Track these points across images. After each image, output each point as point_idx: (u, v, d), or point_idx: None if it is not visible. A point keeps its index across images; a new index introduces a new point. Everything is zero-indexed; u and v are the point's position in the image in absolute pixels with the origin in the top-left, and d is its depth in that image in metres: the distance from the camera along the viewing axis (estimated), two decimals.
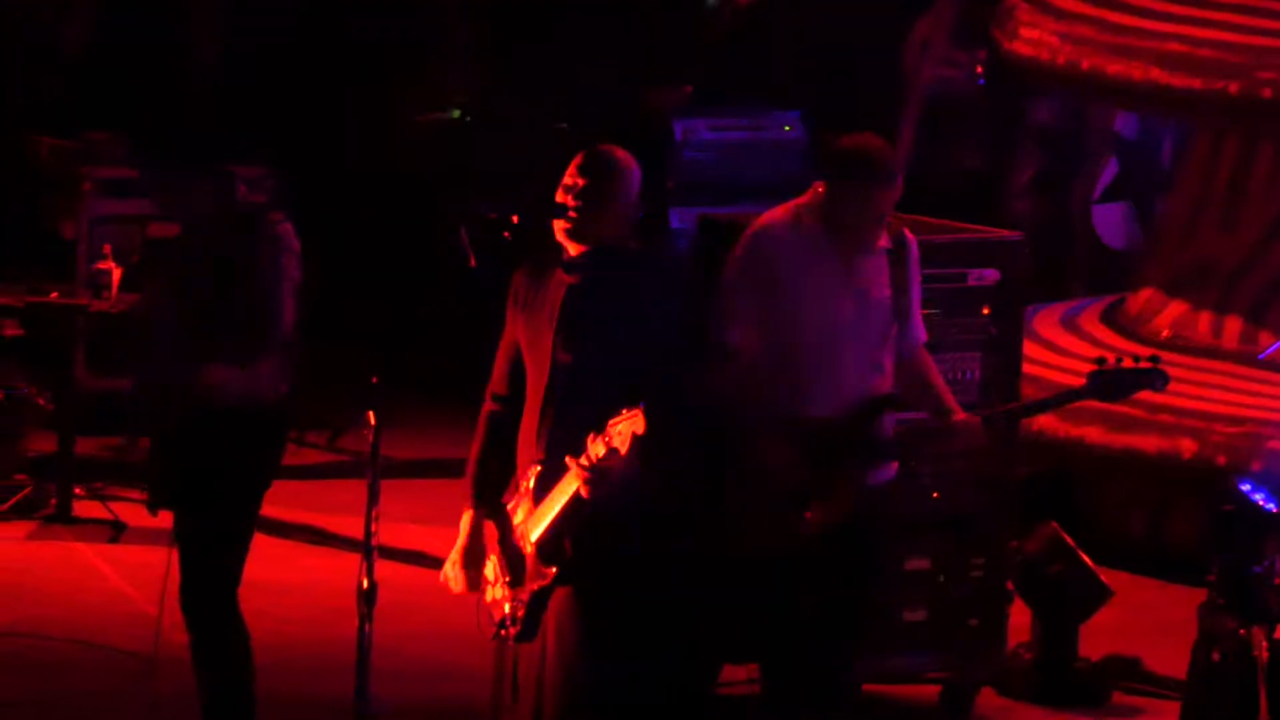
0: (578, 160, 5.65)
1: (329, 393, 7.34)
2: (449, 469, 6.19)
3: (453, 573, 5.74)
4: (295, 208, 6.63)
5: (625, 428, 5.25)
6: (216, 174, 6.54)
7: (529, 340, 5.70)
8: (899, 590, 7.07)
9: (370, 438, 5.67)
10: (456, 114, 7.92)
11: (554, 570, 5.54)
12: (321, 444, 8.52)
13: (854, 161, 5.93)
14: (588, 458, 5.33)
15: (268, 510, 6.36)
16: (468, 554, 5.74)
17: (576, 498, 5.42)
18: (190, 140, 6.64)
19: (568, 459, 5.36)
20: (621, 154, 5.68)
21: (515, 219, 5.64)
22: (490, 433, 5.81)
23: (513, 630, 5.62)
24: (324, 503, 8.66)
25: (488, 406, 5.84)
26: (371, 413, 5.68)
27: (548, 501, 5.52)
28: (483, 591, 5.74)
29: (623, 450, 5.28)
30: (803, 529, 5.76)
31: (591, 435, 5.32)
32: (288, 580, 7.97)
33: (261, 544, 6.47)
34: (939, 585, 7.27)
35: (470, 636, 5.76)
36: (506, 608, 5.65)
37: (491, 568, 5.71)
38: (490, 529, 5.72)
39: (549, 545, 5.56)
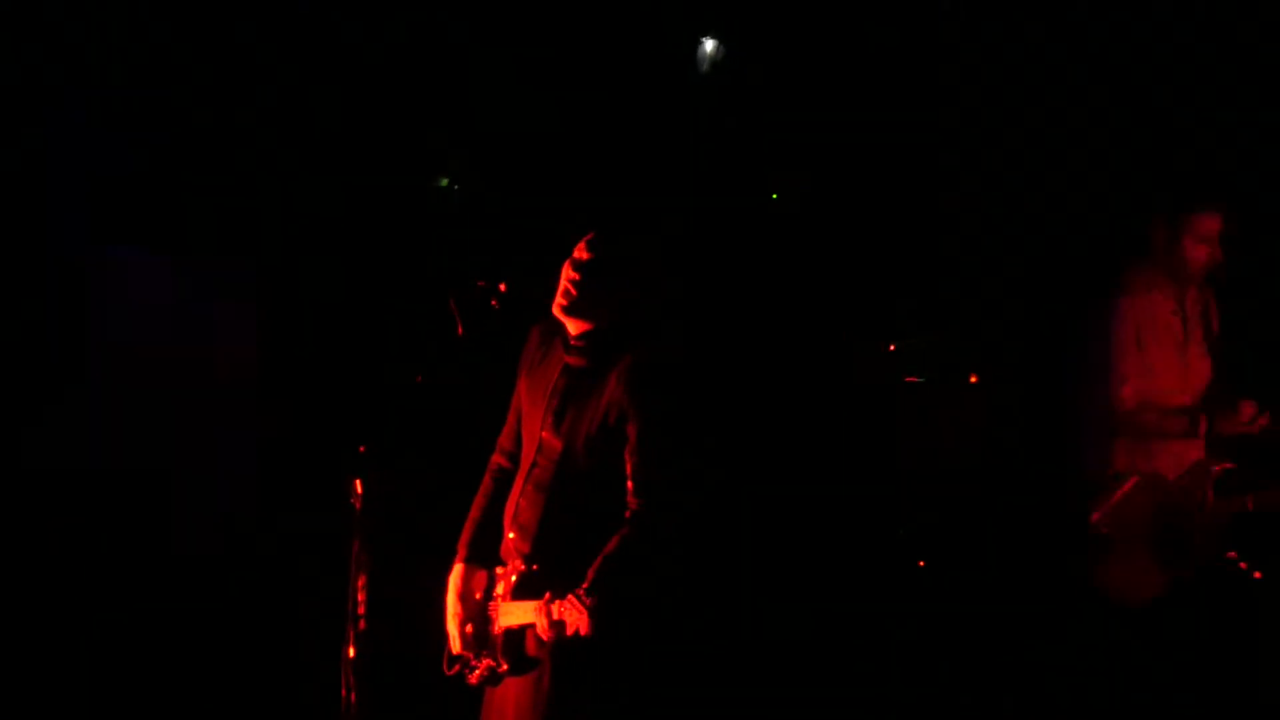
0: (589, 237, 5.64)
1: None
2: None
3: (453, 630, 5.76)
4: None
5: (572, 620, 5.28)
6: None
7: (526, 406, 5.71)
8: None
9: (357, 505, 5.67)
10: (445, 182, 7.92)
11: (506, 666, 5.56)
12: None
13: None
14: (544, 620, 5.36)
15: None
16: (465, 609, 5.75)
17: (534, 628, 5.48)
18: None
19: (538, 605, 5.38)
20: (636, 237, 5.67)
21: (503, 287, 5.60)
22: (492, 488, 5.84)
23: (471, 677, 5.66)
24: None
25: (494, 458, 5.87)
26: (359, 480, 5.67)
27: (518, 608, 5.54)
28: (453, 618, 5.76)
29: (568, 632, 5.32)
30: None
31: (549, 595, 5.35)
32: None
33: None
34: None
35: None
36: (467, 655, 5.68)
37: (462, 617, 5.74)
38: (479, 579, 5.73)
39: (509, 640, 5.59)
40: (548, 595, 5.34)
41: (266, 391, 7.45)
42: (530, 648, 5.54)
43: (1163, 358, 6.82)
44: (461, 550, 5.79)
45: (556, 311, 5.60)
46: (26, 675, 7.10)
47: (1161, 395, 6.79)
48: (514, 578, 5.57)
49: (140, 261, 7.45)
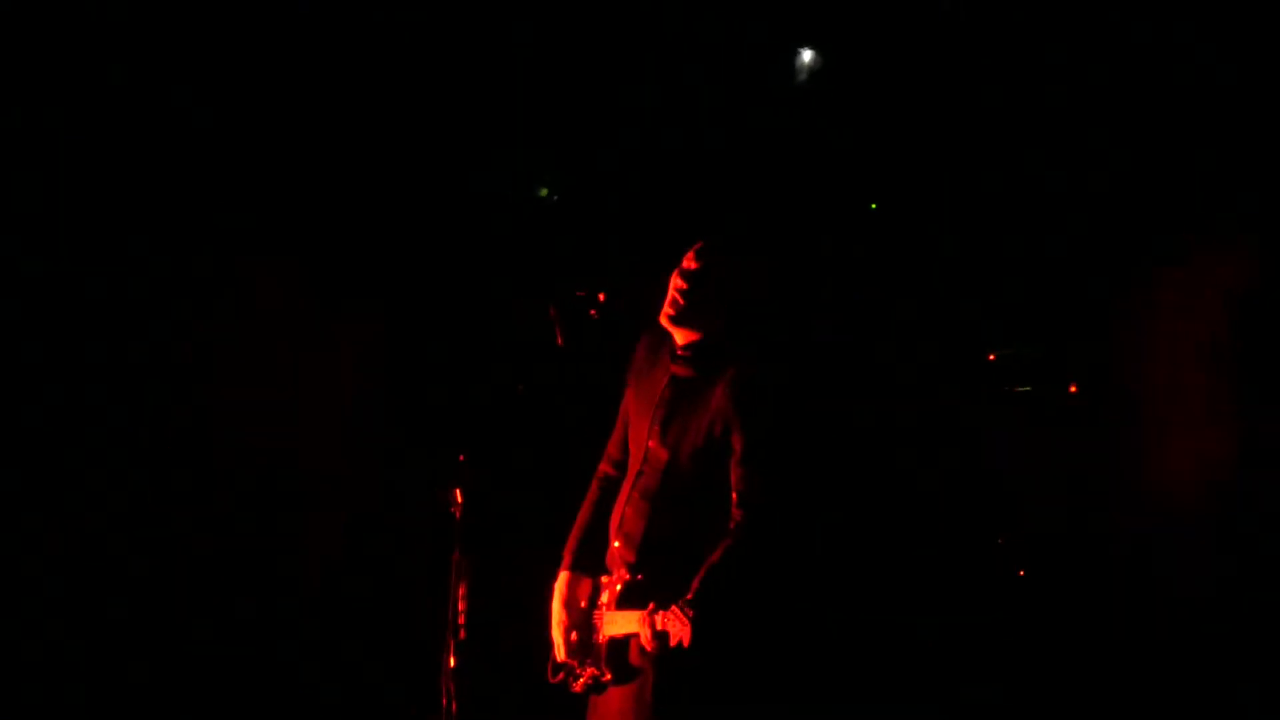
0: (697, 246, 5.65)
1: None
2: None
3: (558, 637, 5.77)
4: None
5: (675, 631, 5.26)
6: None
7: (634, 415, 5.71)
8: None
9: (457, 515, 5.68)
10: (544, 192, 7.94)
11: (610, 675, 5.55)
12: None
13: None
14: (648, 632, 5.34)
15: None
16: (569, 617, 5.76)
17: (638, 638, 5.45)
18: None
19: (643, 614, 5.37)
20: (743, 248, 5.64)
21: (602, 296, 5.61)
22: (598, 495, 5.84)
23: (575, 685, 5.66)
24: None
25: (602, 467, 5.87)
26: (459, 490, 5.68)
27: (622, 618, 5.53)
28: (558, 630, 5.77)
29: (671, 643, 5.29)
30: None
31: (652, 605, 5.33)
32: None
33: None
34: None
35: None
36: (573, 664, 5.69)
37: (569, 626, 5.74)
38: (584, 587, 5.74)
39: (614, 650, 5.58)
40: (651, 606, 5.33)
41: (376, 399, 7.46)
42: (634, 658, 5.53)
43: None
44: (567, 558, 5.79)
45: (664, 321, 5.60)
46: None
47: None
48: (619, 587, 5.57)
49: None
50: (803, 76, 7.82)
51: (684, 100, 7.83)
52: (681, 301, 5.55)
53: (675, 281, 5.57)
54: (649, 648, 5.36)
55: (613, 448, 5.87)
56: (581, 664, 5.66)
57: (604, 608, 5.62)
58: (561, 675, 5.72)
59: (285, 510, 7.27)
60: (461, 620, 5.69)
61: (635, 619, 5.41)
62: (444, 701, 5.66)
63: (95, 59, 7.36)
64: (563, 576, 5.77)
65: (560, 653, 5.71)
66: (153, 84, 7.44)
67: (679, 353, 5.63)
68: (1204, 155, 7.22)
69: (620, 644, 5.56)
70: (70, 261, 7.44)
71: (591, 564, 5.74)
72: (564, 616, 5.71)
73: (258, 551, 7.19)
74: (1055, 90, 7.55)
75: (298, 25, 7.62)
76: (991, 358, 7.51)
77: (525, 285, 7.51)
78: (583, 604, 5.72)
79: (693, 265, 5.57)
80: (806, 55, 7.89)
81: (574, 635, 5.69)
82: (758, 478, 5.41)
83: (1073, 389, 7.23)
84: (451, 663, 5.64)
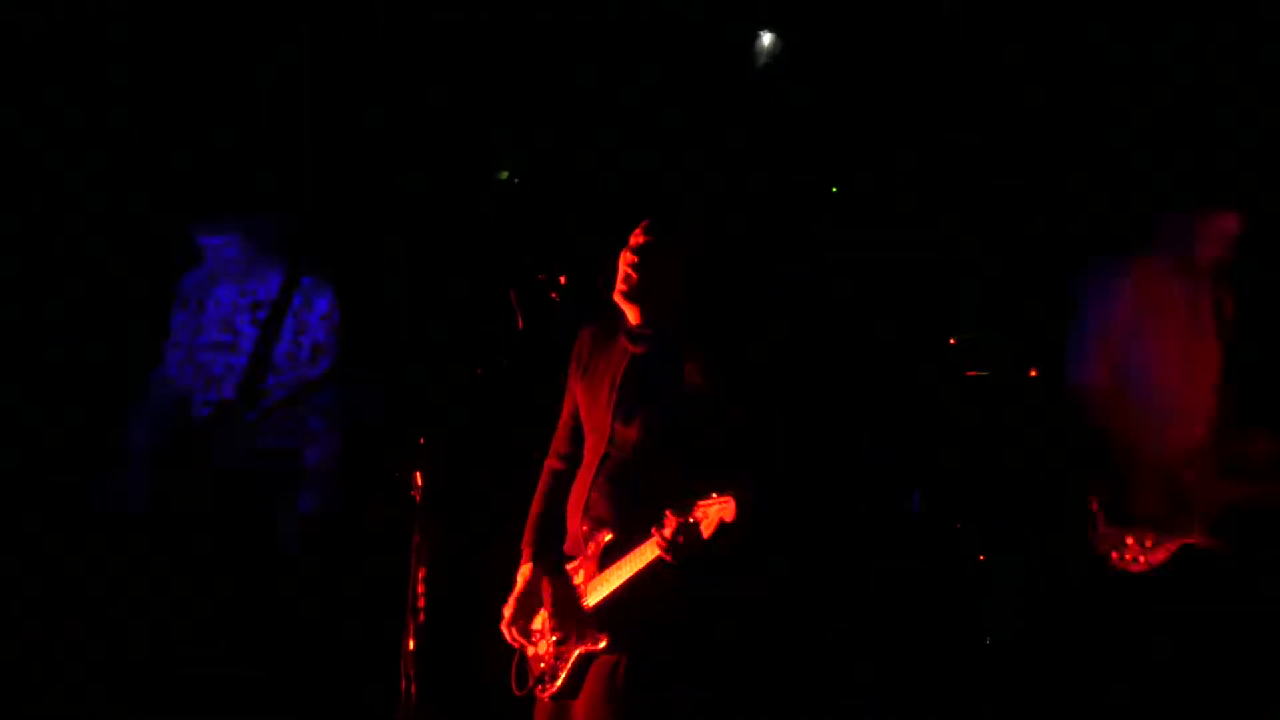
0: (645, 223, 5.64)
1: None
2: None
3: (507, 625, 5.75)
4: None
5: (715, 512, 5.17)
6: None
7: (587, 404, 5.69)
8: None
9: (417, 498, 5.68)
10: (505, 175, 7.94)
11: (605, 639, 5.52)
12: None
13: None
14: (668, 532, 5.25)
15: None
16: (521, 605, 5.75)
17: (650, 569, 5.37)
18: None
19: (653, 530, 5.30)
20: (690, 221, 5.65)
21: (563, 280, 5.61)
22: (551, 488, 5.83)
23: (551, 688, 5.61)
24: None
25: (550, 461, 5.86)
26: (419, 473, 5.68)
27: (614, 569, 5.49)
28: (524, 645, 5.74)
29: (706, 533, 5.19)
30: None
31: (670, 511, 5.25)
32: None
33: None
34: None
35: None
36: (543, 665, 5.65)
37: (540, 623, 5.71)
38: (545, 584, 5.73)
39: (605, 613, 5.54)
40: (668, 512, 5.20)
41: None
42: (624, 615, 5.45)
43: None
44: (527, 550, 5.78)
45: (617, 298, 5.60)
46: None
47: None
48: (606, 539, 5.51)
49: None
50: (762, 59, 7.83)
51: (643, 81, 7.85)
52: (634, 276, 5.56)
53: (626, 257, 5.58)
54: (672, 554, 5.22)
55: (560, 443, 5.84)
56: (558, 655, 5.62)
57: (583, 585, 5.59)
58: (532, 687, 5.69)
59: (244, 494, 7.27)
60: (421, 604, 5.68)
61: (633, 558, 5.35)
62: (404, 684, 5.66)
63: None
64: (524, 569, 5.77)
65: (510, 636, 5.71)
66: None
67: (635, 331, 5.63)
68: (1169, 146, 7.25)
69: (611, 604, 5.48)
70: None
71: (553, 555, 5.73)
72: (514, 609, 5.71)
73: (216, 533, 7.18)
74: (1026, 79, 7.59)
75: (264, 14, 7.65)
76: (952, 341, 7.52)
77: (486, 268, 7.52)
78: (544, 595, 5.70)
79: (641, 239, 5.58)
80: (766, 38, 7.90)
81: (558, 633, 5.64)
82: (749, 451, 5.40)
83: (1033, 373, 7.25)
84: (411, 645, 5.64)
